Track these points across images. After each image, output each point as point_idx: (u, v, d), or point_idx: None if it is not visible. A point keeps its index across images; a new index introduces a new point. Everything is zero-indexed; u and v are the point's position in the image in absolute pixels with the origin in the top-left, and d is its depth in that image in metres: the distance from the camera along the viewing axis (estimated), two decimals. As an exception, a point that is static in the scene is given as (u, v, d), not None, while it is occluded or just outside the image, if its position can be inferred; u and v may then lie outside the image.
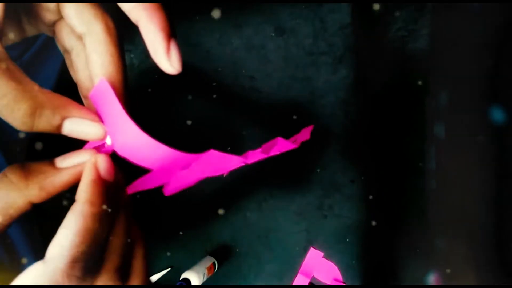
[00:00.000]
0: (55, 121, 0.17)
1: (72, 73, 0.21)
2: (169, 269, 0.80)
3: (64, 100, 0.18)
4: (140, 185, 0.20)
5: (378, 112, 0.73)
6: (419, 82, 0.70)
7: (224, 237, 0.79)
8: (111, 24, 0.19)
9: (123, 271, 0.19)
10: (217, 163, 0.21)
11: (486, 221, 0.50)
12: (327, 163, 0.75)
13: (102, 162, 0.18)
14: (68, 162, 0.19)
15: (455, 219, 0.58)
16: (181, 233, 0.80)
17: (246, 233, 0.78)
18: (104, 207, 0.17)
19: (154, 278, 0.79)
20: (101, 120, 0.19)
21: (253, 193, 0.77)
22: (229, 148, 0.78)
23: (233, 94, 0.76)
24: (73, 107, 0.18)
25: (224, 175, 0.27)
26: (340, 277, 0.73)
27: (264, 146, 0.32)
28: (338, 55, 0.73)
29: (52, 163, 0.19)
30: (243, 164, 0.26)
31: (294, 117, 0.75)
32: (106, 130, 0.18)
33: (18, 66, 0.17)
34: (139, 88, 0.78)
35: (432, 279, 0.66)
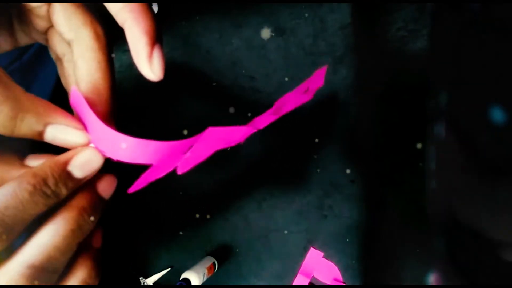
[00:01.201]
0: (38, 126, 0.17)
1: (63, 81, 0.21)
2: (169, 269, 0.80)
3: (48, 105, 0.17)
4: (147, 178, 0.20)
5: (378, 112, 0.73)
6: (419, 82, 0.70)
7: (224, 237, 0.79)
8: (100, 31, 0.18)
9: (48, 272, 0.17)
10: (221, 138, 0.21)
11: (486, 221, 0.50)
12: (327, 163, 0.75)
13: (80, 157, 0.17)
14: (38, 163, 0.18)
15: (455, 219, 0.58)
16: (181, 233, 0.80)
17: (246, 233, 0.78)
18: (46, 188, 0.16)
19: (154, 278, 0.79)
20: (85, 128, 0.18)
21: (253, 193, 0.77)
22: (229, 148, 0.78)
23: (233, 94, 0.76)
24: (57, 114, 0.17)
25: (242, 143, 0.26)
26: (340, 277, 0.73)
27: (275, 105, 0.30)
28: (338, 55, 0.73)
29: (22, 159, 0.18)
30: (255, 130, 0.25)
31: (294, 116, 0.75)
32: (89, 138, 0.18)
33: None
34: (139, 88, 0.78)
35: (432, 279, 0.66)
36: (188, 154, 0.20)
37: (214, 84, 0.77)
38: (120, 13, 0.17)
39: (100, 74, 0.18)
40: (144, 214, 0.80)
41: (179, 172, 0.21)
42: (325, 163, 0.75)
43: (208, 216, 0.79)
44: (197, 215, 0.79)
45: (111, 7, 0.17)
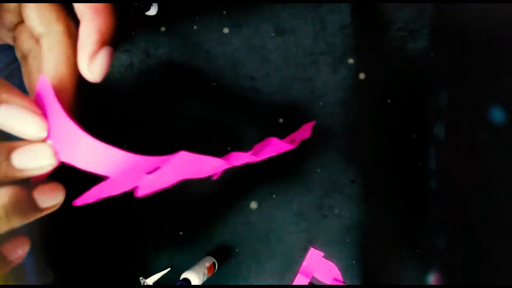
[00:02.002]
0: None
1: (26, 81, 0.20)
2: (169, 269, 0.80)
3: (4, 82, 0.16)
4: (99, 192, 0.18)
5: (378, 112, 0.73)
6: (419, 82, 0.70)
7: (224, 237, 0.79)
8: (72, 27, 0.17)
9: None
10: (192, 165, 0.20)
11: (486, 221, 0.50)
12: (327, 163, 0.75)
13: (28, 148, 0.16)
14: None
15: (455, 219, 0.58)
16: (181, 233, 0.80)
17: (246, 233, 0.78)
18: None
19: (154, 278, 0.79)
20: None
21: (253, 193, 0.77)
22: (229, 148, 0.78)
23: (233, 94, 0.76)
24: (13, 93, 0.16)
25: (213, 178, 0.25)
26: (340, 277, 0.73)
27: (255, 147, 0.30)
28: (338, 55, 0.73)
29: None
30: (229, 166, 0.24)
31: (294, 117, 0.75)
32: (46, 128, 0.16)
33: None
34: (139, 88, 0.78)
35: (432, 279, 0.66)
36: (152, 176, 0.18)
37: (214, 84, 0.76)
38: (81, 6, 0.17)
39: (68, 71, 0.17)
40: (143, 214, 0.79)
41: (138, 194, 0.19)
42: (325, 163, 0.75)
43: (208, 216, 0.79)
44: (197, 215, 0.79)
45: None
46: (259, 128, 0.76)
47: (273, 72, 0.75)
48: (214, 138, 0.78)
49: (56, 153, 0.16)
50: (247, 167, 0.84)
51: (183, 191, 0.78)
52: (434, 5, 0.67)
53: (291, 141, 0.34)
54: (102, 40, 0.17)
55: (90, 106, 0.78)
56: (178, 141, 0.76)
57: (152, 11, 0.75)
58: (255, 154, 0.28)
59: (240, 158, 0.25)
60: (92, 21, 0.16)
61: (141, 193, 0.19)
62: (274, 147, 0.31)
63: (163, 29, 0.77)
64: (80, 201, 0.18)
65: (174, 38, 0.77)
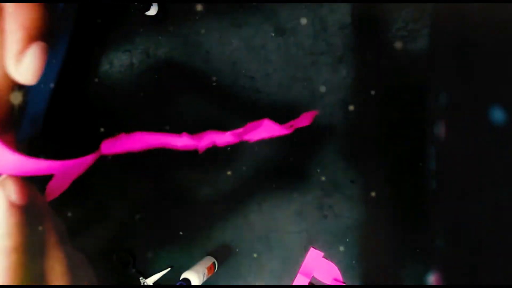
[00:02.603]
0: None
1: None
2: (169, 269, 0.80)
3: None
4: (58, 183, 0.18)
5: (378, 112, 0.73)
6: (419, 82, 0.70)
7: (224, 237, 0.79)
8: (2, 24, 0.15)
9: None
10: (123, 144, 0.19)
11: (486, 221, 0.50)
12: (327, 163, 0.75)
13: (11, 187, 0.16)
14: None
15: (455, 219, 0.58)
16: (181, 233, 0.80)
17: (246, 233, 0.78)
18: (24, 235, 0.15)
19: (154, 278, 0.79)
20: None
21: (253, 193, 0.77)
22: (228, 149, 0.78)
23: (233, 94, 0.76)
24: None
25: (199, 152, 0.24)
26: (340, 277, 0.74)
27: (247, 126, 0.29)
28: (338, 55, 0.73)
29: None
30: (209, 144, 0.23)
31: (293, 117, 0.75)
32: None
33: None
34: (139, 88, 0.78)
35: (432, 279, 0.66)
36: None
37: (214, 84, 0.77)
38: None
39: None
40: (143, 213, 0.80)
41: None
42: (325, 163, 0.75)
43: (208, 216, 0.79)
44: (197, 215, 0.79)
45: None
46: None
47: (273, 72, 0.75)
48: (214, 138, 0.78)
49: None
50: (247, 167, 0.84)
51: (183, 191, 0.78)
52: (434, 5, 0.67)
53: (290, 127, 0.33)
54: (28, 37, 0.15)
55: (89, 106, 0.78)
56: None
57: (152, 11, 0.75)
58: (244, 133, 0.27)
59: (219, 138, 0.24)
60: (13, 16, 0.14)
61: (105, 150, 0.19)
62: (266, 128, 0.30)
63: (163, 29, 0.77)
64: (51, 195, 0.18)
65: (174, 38, 0.77)
